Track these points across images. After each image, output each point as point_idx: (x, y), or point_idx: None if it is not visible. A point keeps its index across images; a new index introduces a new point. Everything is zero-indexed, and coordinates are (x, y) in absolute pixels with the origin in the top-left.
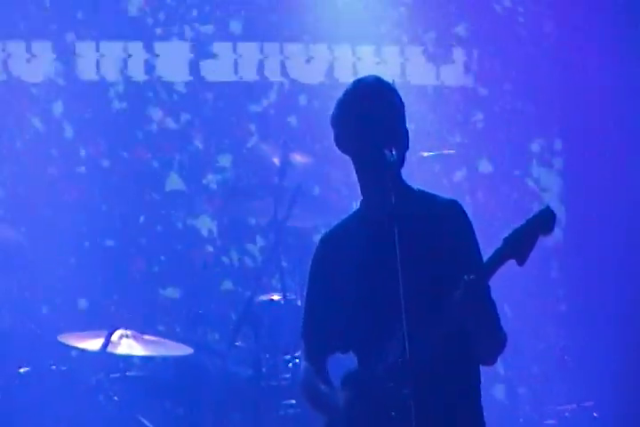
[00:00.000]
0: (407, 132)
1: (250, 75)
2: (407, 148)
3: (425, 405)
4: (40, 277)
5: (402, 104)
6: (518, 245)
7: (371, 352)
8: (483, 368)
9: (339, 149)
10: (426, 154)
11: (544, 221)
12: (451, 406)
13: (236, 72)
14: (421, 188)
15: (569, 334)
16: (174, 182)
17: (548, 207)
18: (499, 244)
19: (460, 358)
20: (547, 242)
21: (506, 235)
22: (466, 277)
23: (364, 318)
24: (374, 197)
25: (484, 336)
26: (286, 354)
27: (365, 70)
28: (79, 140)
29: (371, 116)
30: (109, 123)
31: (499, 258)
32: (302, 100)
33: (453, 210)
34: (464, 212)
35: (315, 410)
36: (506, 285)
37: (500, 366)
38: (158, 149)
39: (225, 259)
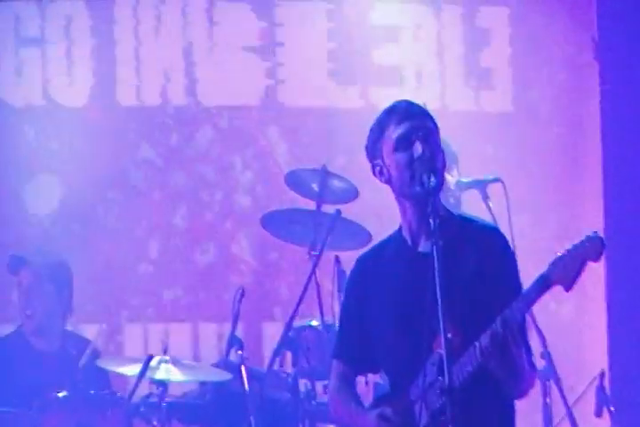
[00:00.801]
0: (443, 153)
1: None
2: (444, 168)
3: None
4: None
5: (436, 126)
6: (565, 271)
7: (404, 375)
8: None
9: (377, 179)
10: (464, 180)
11: (591, 247)
12: None
13: None
14: (461, 213)
15: (610, 360)
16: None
17: (596, 233)
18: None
19: (495, 385)
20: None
21: (551, 260)
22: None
23: (398, 340)
24: (413, 220)
25: (518, 366)
26: (324, 379)
27: None
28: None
29: (406, 144)
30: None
31: (544, 283)
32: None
33: (493, 236)
34: (504, 238)
35: None
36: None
37: (537, 393)
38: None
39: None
